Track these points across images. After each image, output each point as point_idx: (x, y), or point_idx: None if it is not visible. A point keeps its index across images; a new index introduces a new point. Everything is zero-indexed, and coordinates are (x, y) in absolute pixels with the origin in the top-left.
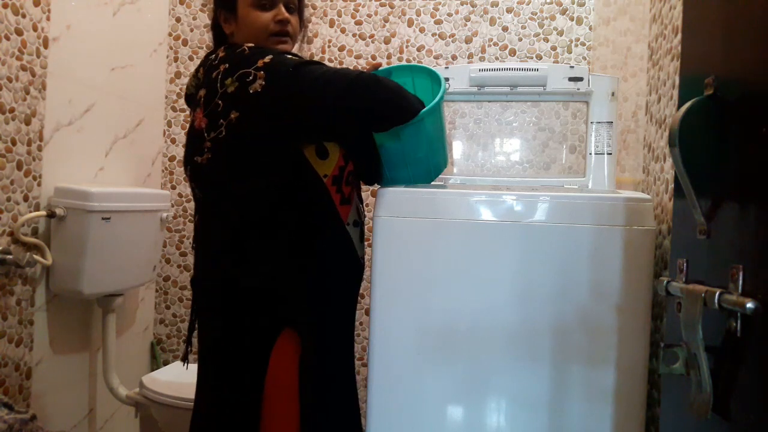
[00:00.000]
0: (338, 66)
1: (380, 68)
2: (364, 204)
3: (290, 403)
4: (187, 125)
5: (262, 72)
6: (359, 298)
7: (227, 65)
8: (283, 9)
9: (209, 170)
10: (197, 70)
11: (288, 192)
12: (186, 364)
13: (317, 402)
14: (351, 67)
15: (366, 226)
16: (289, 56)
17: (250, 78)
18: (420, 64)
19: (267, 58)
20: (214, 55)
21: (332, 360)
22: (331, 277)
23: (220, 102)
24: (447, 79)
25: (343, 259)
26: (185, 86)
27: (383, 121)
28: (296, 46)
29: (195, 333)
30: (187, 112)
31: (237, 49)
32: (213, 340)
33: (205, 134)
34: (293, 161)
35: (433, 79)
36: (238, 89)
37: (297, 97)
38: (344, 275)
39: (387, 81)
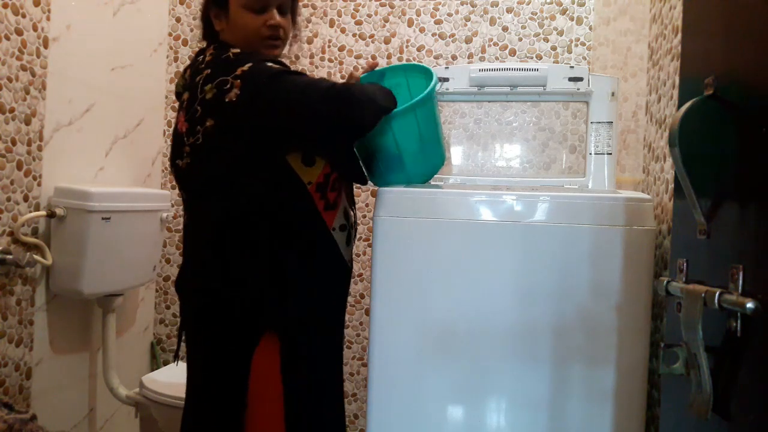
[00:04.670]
0: (317, 77)
1: (375, 69)
2: (355, 207)
3: (274, 404)
4: None
5: (238, 81)
6: (360, 298)
7: (210, 71)
8: (275, 13)
9: (189, 175)
10: (185, 71)
11: (269, 200)
12: (176, 362)
13: (302, 406)
14: (351, 67)
15: (366, 226)
16: (270, 64)
17: (227, 86)
18: (412, 63)
19: (246, 66)
20: (202, 57)
21: (317, 364)
22: (315, 282)
23: (198, 108)
24: (447, 79)
25: (328, 264)
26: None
27: (356, 128)
28: (294, 46)
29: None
30: None
31: (223, 55)
32: (196, 343)
33: (185, 138)
34: (275, 169)
35: (426, 75)
36: (215, 97)
37: (269, 107)
38: (329, 279)
39: (361, 87)
